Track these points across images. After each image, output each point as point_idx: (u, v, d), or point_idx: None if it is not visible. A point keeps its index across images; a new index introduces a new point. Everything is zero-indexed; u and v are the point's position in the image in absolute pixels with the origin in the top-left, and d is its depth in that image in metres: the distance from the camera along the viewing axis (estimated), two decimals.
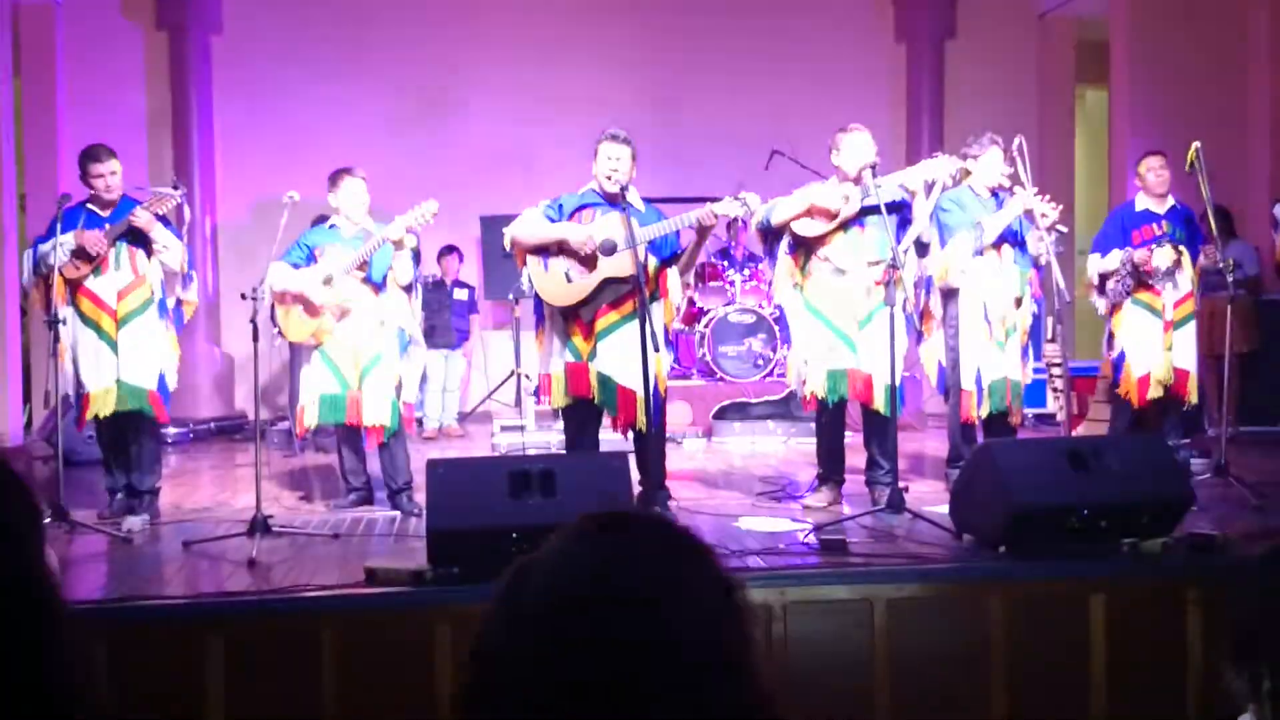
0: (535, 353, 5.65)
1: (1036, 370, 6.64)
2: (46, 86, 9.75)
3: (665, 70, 10.48)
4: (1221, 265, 6.18)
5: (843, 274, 5.52)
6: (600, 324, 5.32)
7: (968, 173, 6.01)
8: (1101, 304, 6.65)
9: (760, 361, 8.98)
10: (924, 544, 4.58)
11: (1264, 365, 8.08)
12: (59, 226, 5.38)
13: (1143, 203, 6.59)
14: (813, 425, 6.20)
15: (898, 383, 5.27)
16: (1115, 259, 6.48)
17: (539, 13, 10.52)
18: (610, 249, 5.26)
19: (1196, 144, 6.10)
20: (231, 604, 3.95)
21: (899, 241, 5.34)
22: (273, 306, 5.84)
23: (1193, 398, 6.52)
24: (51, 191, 7.80)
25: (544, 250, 5.37)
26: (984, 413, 5.87)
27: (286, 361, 8.41)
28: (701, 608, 1.12)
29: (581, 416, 5.49)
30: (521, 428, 8.29)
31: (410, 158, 10.03)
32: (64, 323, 5.41)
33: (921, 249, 5.72)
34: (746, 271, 9.42)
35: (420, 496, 4.99)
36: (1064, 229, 6.01)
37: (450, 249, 9.54)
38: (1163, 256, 6.40)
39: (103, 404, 5.51)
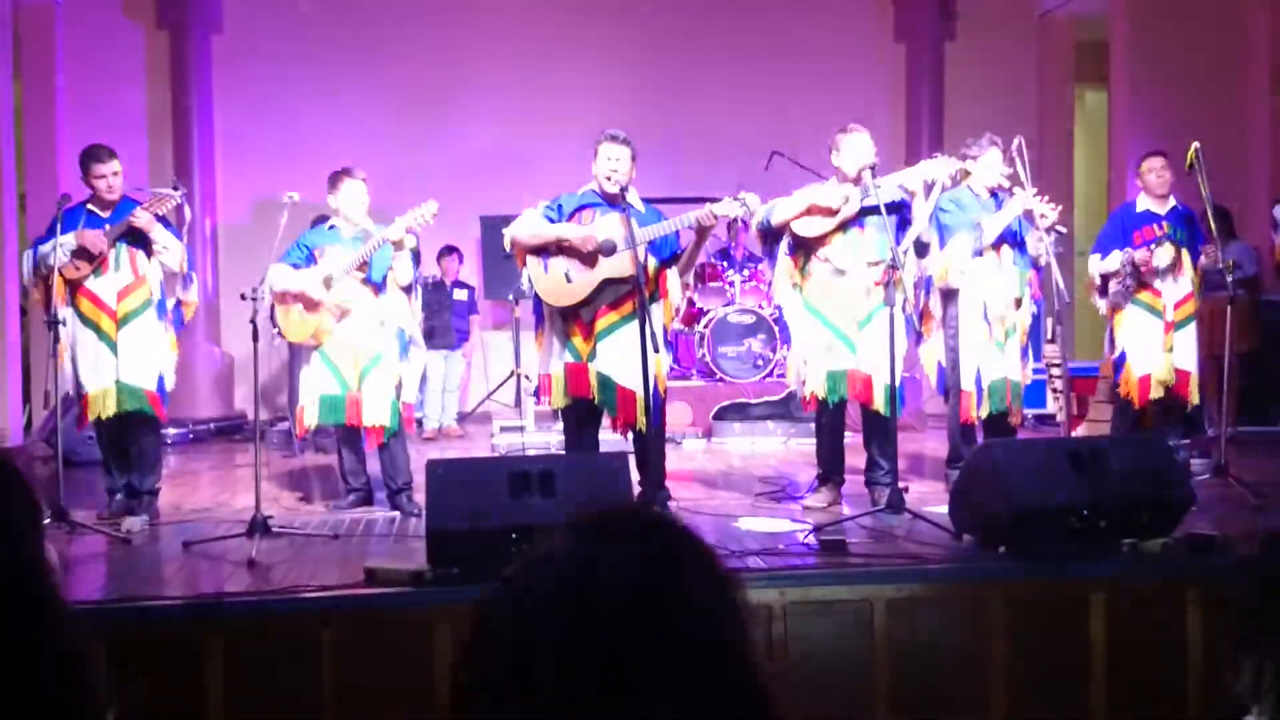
0: (535, 353, 5.65)
1: (1036, 371, 6.64)
2: (46, 86, 9.75)
3: (665, 71, 10.48)
4: (1222, 266, 6.18)
5: (842, 274, 5.52)
6: (600, 324, 5.32)
7: (967, 173, 6.01)
8: (1103, 304, 6.65)
9: (760, 362, 8.98)
10: (924, 544, 4.58)
11: (1264, 365, 8.08)
12: (59, 227, 5.38)
13: (1144, 203, 6.59)
14: (812, 426, 6.20)
15: (897, 383, 5.27)
16: (1116, 260, 6.48)
17: (539, 13, 10.52)
18: (610, 249, 5.26)
19: (1196, 144, 6.10)
20: (231, 604, 3.95)
21: (898, 242, 5.34)
22: (272, 307, 5.83)
23: (1194, 399, 6.51)
24: (51, 191, 7.80)
25: (544, 251, 5.37)
26: (984, 413, 5.87)
27: (286, 362, 8.41)
28: (700, 604, 1.12)
29: (581, 417, 5.49)
30: (521, 428, 8.30)
31: (410, 158, 10.03)
32: (64, 323, 5.41)
33: (921, 249, 5.72)
34: (746, 272, 9.42)
35: (420, 497, 4.99)
36: (1063, 229, 6.01)
37: (450, 249, 9.54)
38: (1163, 256, 6.40)
39: (102, 405, 5.51)
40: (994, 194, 5.98)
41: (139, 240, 5.54)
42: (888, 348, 5.12)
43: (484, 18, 10.52)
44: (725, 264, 9.50)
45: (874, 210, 5.29)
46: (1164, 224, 6.48)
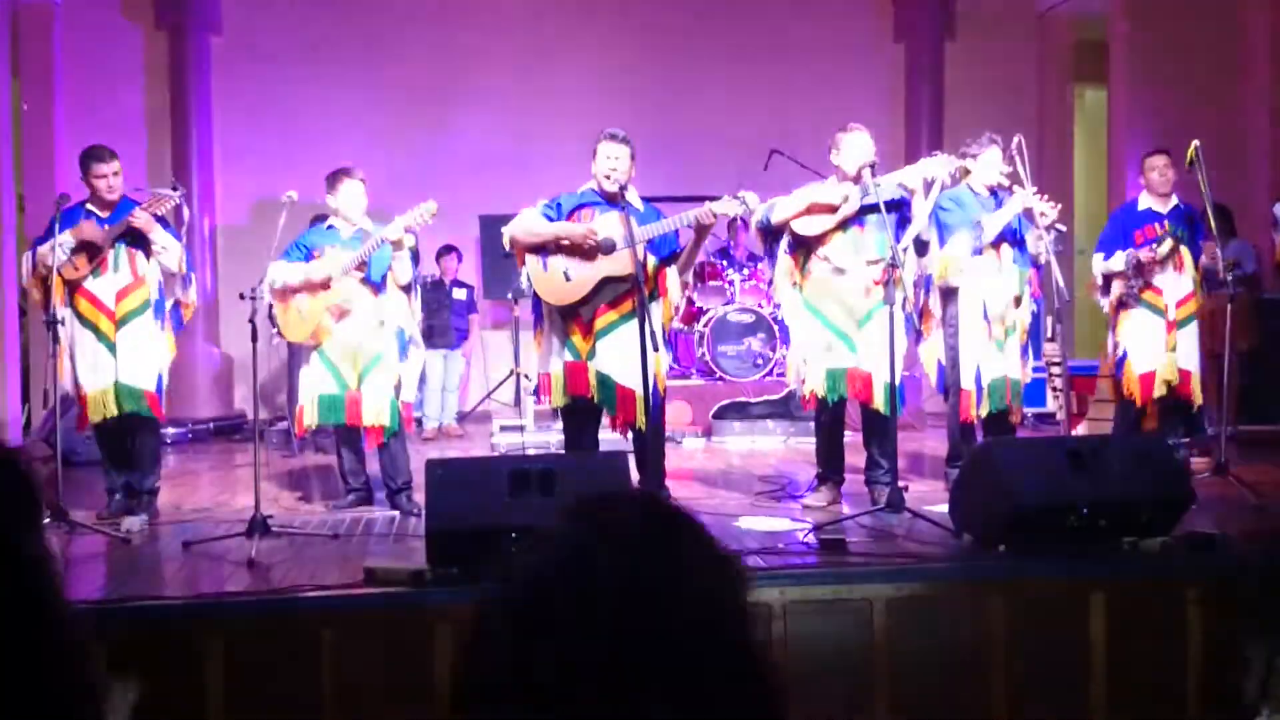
0: (534, 352, 5.65)
1: (1036, 369, 6.63)
2: (45, 87, 9.75)
3: (665, 70, 10.48)
4: (1222, 265, 6.18)
5: (842, 273, 5.52)
6: (599, 323, 5.32)
7: (967, 172, 6.01)
8: (1105, 303, 6.65)
9: (759, 361, 8.98)
10: (923, 543, 4.58)
11: (1264, 364, 8.08)
12: (57, 227, 5.37)
13: (1145, 202, 6.58)
14: (812, 425, 6.20)
15: (897, 382, 5.27)
16: (1120, 261, 6.47)
17: (539, 13, 10.52)
18: (609, 248, 5.26)
19: (1196, 142, 6.10)
20: (231, 604, 3.95)
21: (898, 240, 5.34)
22: (271, 306, 5.83)
23: (1196, 398, 6.49)
24: (49, 192, 7.80)
25: (543, 249, 5.37)
26: (983, 412, 5.86)
27: (285, 361, 8.41)
28: (699, 585, 1.11)
29: (581, 416, 5.49)
30: (521, 427, 8.30)
31: (409, 157, 10.03)
32: (62, 323, 5.41)
33: (921, 248, 5.72)
34: (746, 271, 9.42)
35: (419, 496, 4.99)
36: (1063, 228, 6.00)
37: (449, 249, 9.53)
38: (1163, 248, 6.39)
39: (101, 405, 5.51)
40: (994, 192, 5.98)
41: (138, 241, 5.54)
42: (887, 346, 5.12)
43: (484, 18, 10.52)
44: (725, 263, 9.50)
45: (874, 209, 5.29)
46: (1165, 223, 6.47)
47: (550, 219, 5.40)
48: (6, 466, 1.51)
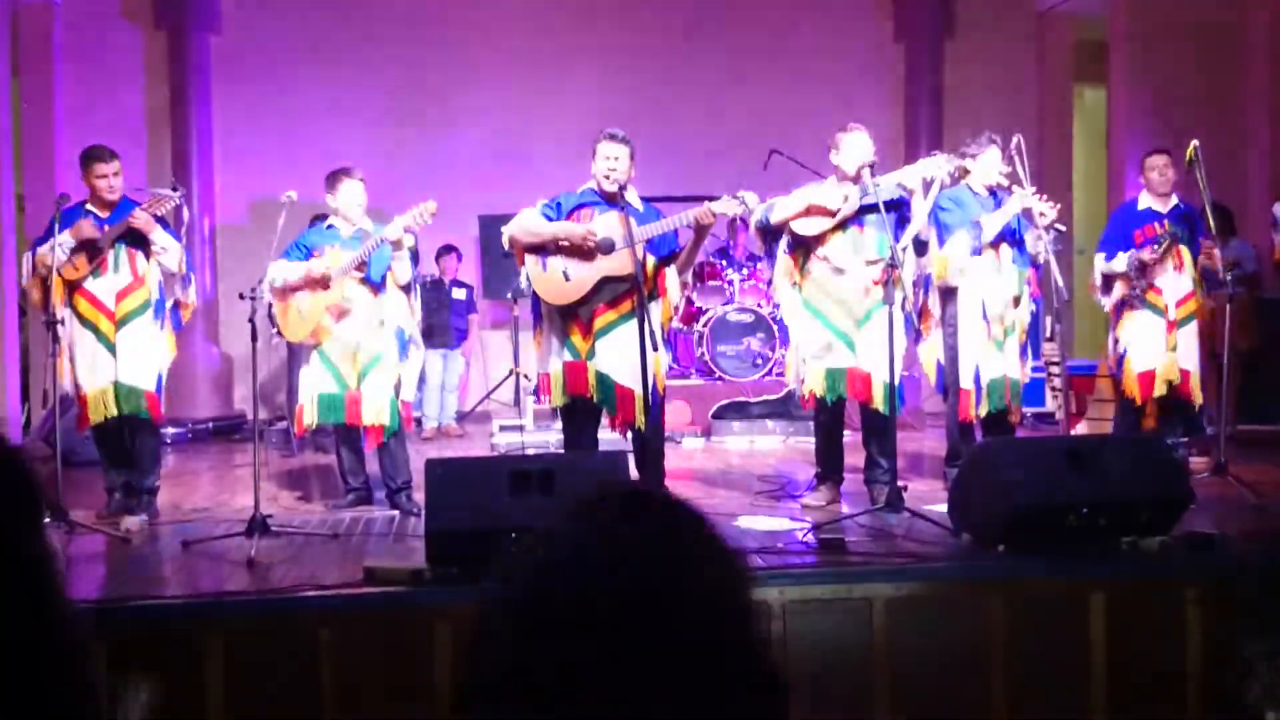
0: (534, 352, 5.65)
1: (1035, 369, 6.63)
2: (45, 86, 9.74)
3: (664, 69, 10.49)
4: (1221, 265, 6.19)
5: (841, 273, 5.53)
6: (598, 323, 5.32)
7: (966, 171, 6.01)
8: (1107, 303, 6.65)
9: (759, 361, 8.99)
10: (923, 543, 4.58)
11: (1263, 364, 8.08)
12: (57, 227, 5.37)
13: (1145, 201, 6.58)
14: (811, 424, 6.20)
15: (896, 381, 5.27)
16: (1122, 263, 6.46)
17: (539, 13, 10.52)
18: (609, 248, 5.26)
19: (1195, 142, 6.11)
20: (231, 604, 3.96)
21: (897, 240, 5.34)
22: (271, 306, 5.83)
23: (1196, 398, 6.49)
24: (49, 192, 7.80)
25: (542, 249, 5.37)
26: (983, 412, 5.86)
27: (285, 361, 8.41)
28: (701, 583, 1.10)
29: (580, 416, 5.49)
30: (520, 427, 8.29)
31: (409, 157, 10.04)
32: (62, 323, 5.41)
33: (920, 248, 5.73)
34: (745, 271, 9.42)
35: (419, 496, 4.99)
36: (1062, 228, 6.01)
37: (449, 248, 9.53)
38: (1160, 248, 6.39)
39: (100, 406, 5.51)
40: (993, 192, 5.98)
41: (138, 241, 5.54)
42: (887, 346, 5.12)
43: (484, 18, 10.51)
44: (724, 263, 9.50)
45: (873, 208, 5.30)
46: (1165, 222, 6.47)
47: (550, 218, 5.40)
48: (7, 465, 1.51)
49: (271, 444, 8.32)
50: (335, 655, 3.80)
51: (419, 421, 9.12)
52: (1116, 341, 6.60)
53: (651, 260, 5.39)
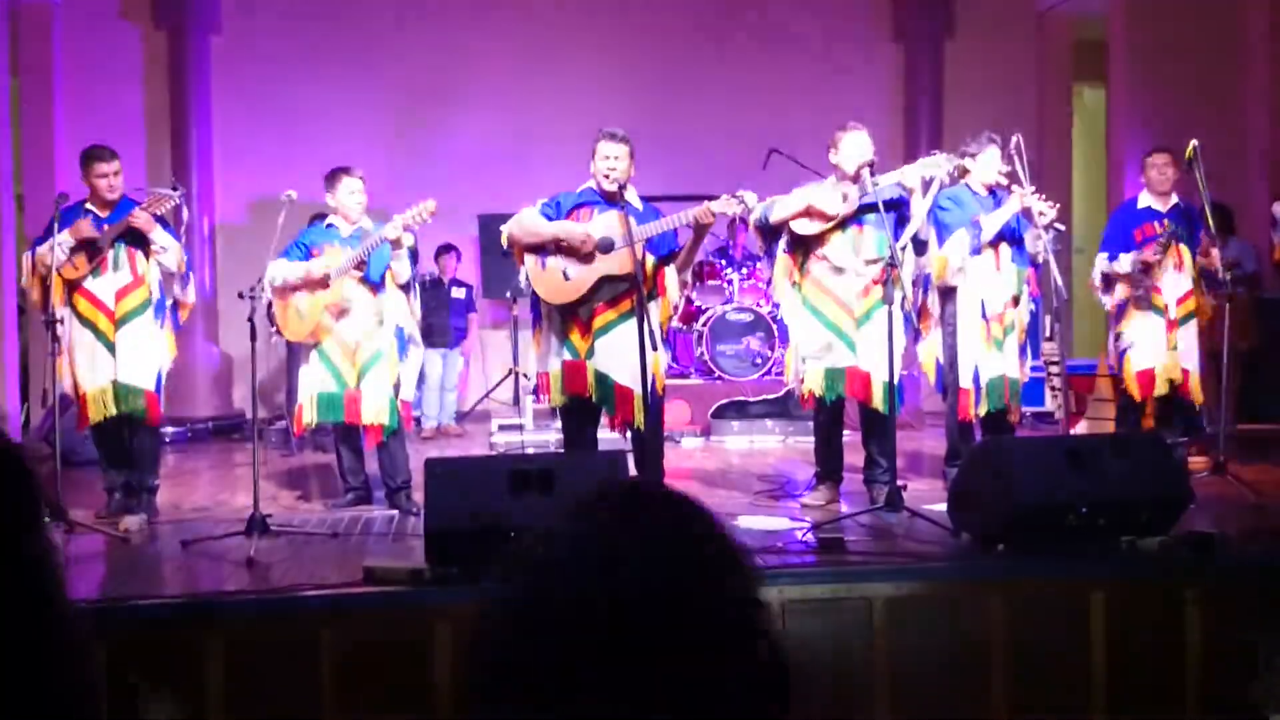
0: (533, 351, 5.65)
1: (1034, 369, 6.63)
2: (45, 86, 9.74)
3: (663, 68, 10.48)
4: (1221, 265, 6.19)
5: (841, 272, 5.53)
6: (598, 322, 5.32)
7: (965, 171, 6.01)
8: (1108, 302, 6.65)
9: (758, 360, 8.98)
10: (922, 542, 4.58)
11: (1263, 363, 8.08)
12: (56, 226, 5.37)
13: (1145, 200, 6.58)
14: (810, 424, 6.20)
15: (896, 381, 5.27)
16: (1125, 264, 6.46)
17: (538, 13, 10.51)
18: (608, 247, 5.26)
19: (1195, 141, 6.11)
20: (230, 603, 3.95)
21: (897, 239, 5.34)
22: (270, 305, 5.83)
23: (1197, 397, 6.49)
24: (49, 191, 7.79)
25: (541, 249, 5.37)
26: (982, 411, 5.86)
27: (284, 360, 8.41)
28: (703, 582, 1.10)
29: (579, 415, 5.49)
30: (520, 427, 8.29)
31: (408, 157, 10.03)
32: (62, 323, 5.41)
33: (919, 247, 5.72)
34: (744, 270, 9.42)
35: (419, 495, 4.99)
36: (1061, 227, 6.00)
37: (448, 248, 9.53)
38: (1161, 240, 6.40)
39: (100, 405, 5.51)
40: (992, 192, 5.98)
41: (137, 240, 5.54)
42: (886, 345, 5.13)
43: (484, 18, 10.51)
44: (724, 262, 9.50)
45: (873, 208, 5.30)
46: (1165, 221, 6.47)
47: (549, 218, 5.40)
48: (7, 463, 1.51)
49: (271, 443, 8.31)
50: (335, 655, 3.80)
51: (418, 421, 9.11)
52: (1118, 338, 6.59)
53: (651, 259, 5.39)
